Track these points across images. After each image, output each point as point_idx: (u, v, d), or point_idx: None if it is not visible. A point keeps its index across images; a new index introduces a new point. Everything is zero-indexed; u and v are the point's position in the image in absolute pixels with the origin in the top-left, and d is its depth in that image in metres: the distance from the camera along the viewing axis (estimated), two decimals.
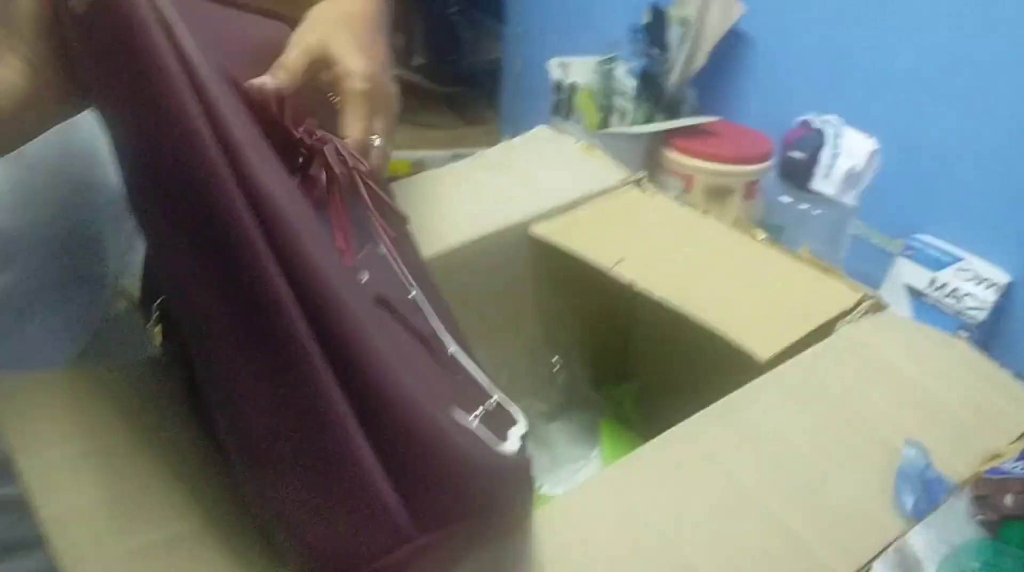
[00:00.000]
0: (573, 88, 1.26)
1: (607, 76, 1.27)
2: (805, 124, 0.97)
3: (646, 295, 0.63)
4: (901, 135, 1.06)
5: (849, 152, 0.91)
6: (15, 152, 0.45)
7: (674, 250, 0.68)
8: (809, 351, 0.57)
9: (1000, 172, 1.05)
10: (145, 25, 0.37)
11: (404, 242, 0.57)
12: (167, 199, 0.39)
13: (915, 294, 1.12)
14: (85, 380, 0.49)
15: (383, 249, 0.52)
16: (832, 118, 0.95)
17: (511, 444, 0.43)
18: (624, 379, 0.86)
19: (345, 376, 0.36)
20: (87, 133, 0.57)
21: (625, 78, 1.25)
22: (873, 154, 0.92)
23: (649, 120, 1.24)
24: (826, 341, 0.59)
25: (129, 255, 0.65)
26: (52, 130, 0.45)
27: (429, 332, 0.48)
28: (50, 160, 0.56)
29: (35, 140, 0.45)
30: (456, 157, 0.82)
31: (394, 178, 0.77)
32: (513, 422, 0.46)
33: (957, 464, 0.49)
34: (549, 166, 0.80)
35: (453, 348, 0.49)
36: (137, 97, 0.38)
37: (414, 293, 0.51)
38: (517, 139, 0.86)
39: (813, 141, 0.93)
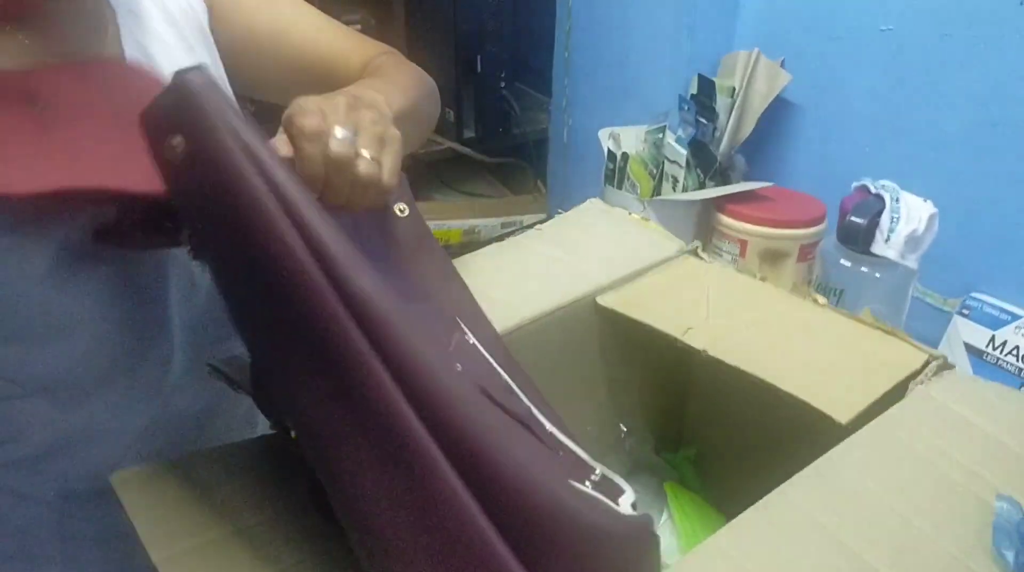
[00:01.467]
0: (625, 157, 1.28)
1: (657, 145, 1.30)
2: (863, 189, 0.98)
3: (714, 362, 0.64)
4: (953, 197, 1.07)
5: (908, 216, 0.92)
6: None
7: (738, 316, 0.70)
8: (888, 413, 0.58)
9: None
10: (235, 163, 0.38)
11: (480, 321, 0.58)
12: (273, 321, 0.40)
13: (975, 353, 1.11)
14: (203, 464, 0.51)
15: (470, 338, 0.53)
16: (888, 183, 0.96)
17: (624, 509, 0.43)
18: (681, 445, 0.87)
19: (462, 465, 0.37)
20: None
21: (675, 146, 1.27)
22: (932, 217, 0.93)
23: (700, 187, 1.26)
24: (902, 402, 0.60)
25: (197, 334, 0.66)
26: None
27: (525, 413, 0.49)
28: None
29: None
30: (505, 225, 0.84)
31: (447, 246, 0.79)
32: (621, 492, 0.46)
33: None
34: (607, 238, 0.82)
35: (549, 426, 0.50)
36: (236, 232, 0.40)
37: (506, 377, 0.52)
38: (571, 213, 0.88)
39: (873, 206, 0.94)
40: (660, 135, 1.31)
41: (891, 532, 0.48)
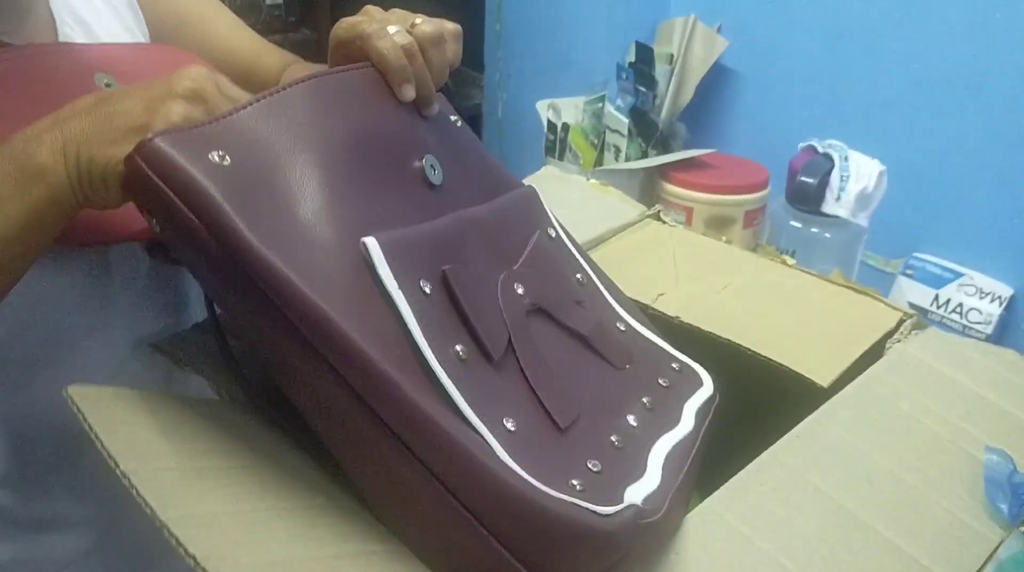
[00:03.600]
0: (566, 128, 1.26)
1: (597, 115, 1.28)
2: (810, 149, 0.98)
3: (688, 329, 0.63)
4: (895, 158, 1.07)
5: (858, 174, 0.92)
6: None
7: (708, 280, 0.68)
8: (869, 372, 0.57)
9: (996, 187, 1.07)
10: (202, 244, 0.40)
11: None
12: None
13: (919, 312, 1.13)
14: (166, 404, 0.48)
15: (553, 231, 0.54)
16: (836, 142, 0.96)
17: (685, 424, 0.47)
18: None
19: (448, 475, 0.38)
20: None
21: (616, 115, 1.25)
22: (881, 175, 0.93)
23: (643, 156, 1.24)
24: (881, 361, 0.59)
25: (141, 311, 0.64)
26: None
27: (593, 324, 0.50)
28: None
29: None
30: None
31: None
32: (700, 384, 0.51)
33: None
34: (566, 205, 0.79)
35: (625, 324, 0.52)
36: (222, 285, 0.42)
37: (580, 275, 0.53)
38: (526, 181, 0.85)
39: (822, 165, 0.94)
40: (600, 105, 1.29)
41: (884, 489, 0.47)
